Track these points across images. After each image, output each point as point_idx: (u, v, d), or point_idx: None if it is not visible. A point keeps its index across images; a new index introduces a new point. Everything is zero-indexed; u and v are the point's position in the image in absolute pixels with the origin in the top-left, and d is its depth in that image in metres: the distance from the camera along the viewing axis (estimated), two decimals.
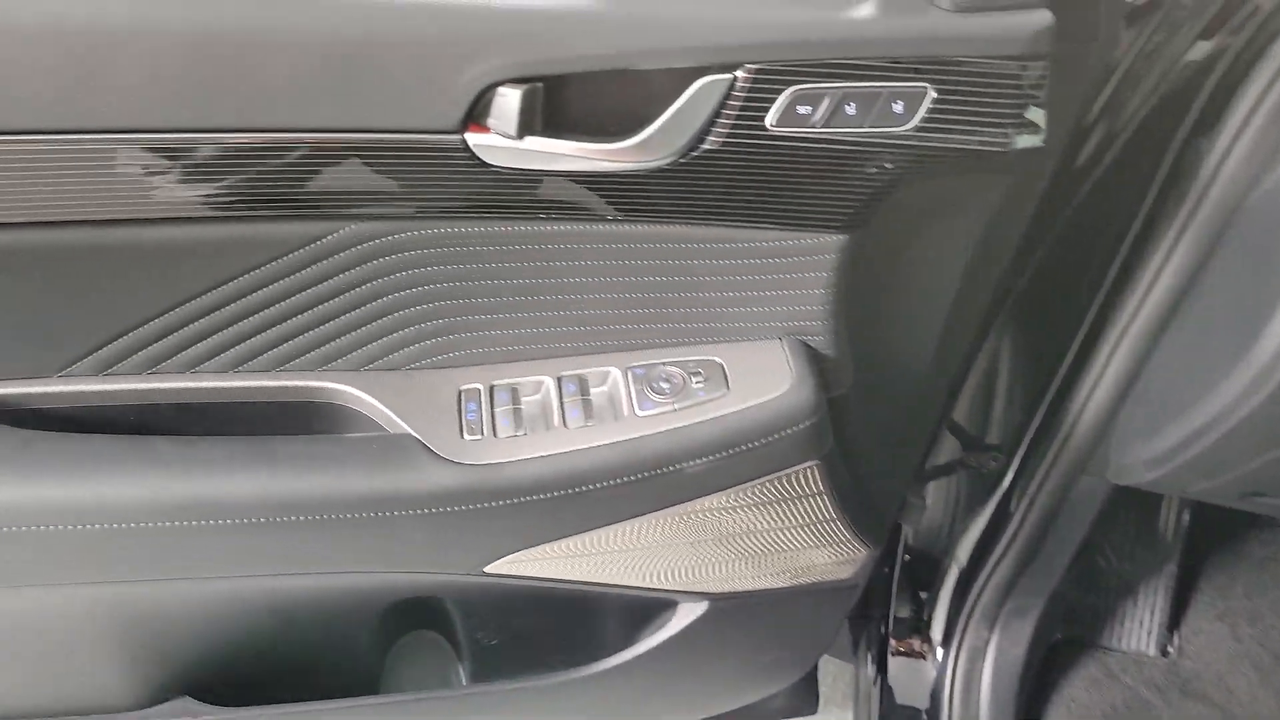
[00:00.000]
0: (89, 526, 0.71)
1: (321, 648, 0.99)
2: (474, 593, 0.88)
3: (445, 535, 0.77)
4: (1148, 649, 1.26)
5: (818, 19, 0.66)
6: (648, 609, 0.98)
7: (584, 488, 0.76)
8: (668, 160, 0.69)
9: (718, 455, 0.76)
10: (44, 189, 0.66)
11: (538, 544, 0.80)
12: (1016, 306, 1.01)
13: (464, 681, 1.08)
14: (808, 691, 1.38)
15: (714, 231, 0.75)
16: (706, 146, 0.68)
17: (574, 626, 1.05)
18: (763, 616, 0.98)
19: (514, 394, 0.79)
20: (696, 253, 0.76)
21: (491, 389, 0.79)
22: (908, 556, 1.18)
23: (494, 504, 0.75)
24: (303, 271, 0.73)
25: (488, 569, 0.82)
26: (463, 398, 0.78)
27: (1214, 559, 1.31)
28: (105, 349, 0.74)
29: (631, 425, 0.77)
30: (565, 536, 0.80)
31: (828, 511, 0.85)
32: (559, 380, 0.80)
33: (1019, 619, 1.15)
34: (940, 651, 1.19)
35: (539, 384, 0.80)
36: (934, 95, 0.68)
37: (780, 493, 0.81)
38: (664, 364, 0.80)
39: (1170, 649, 1.25)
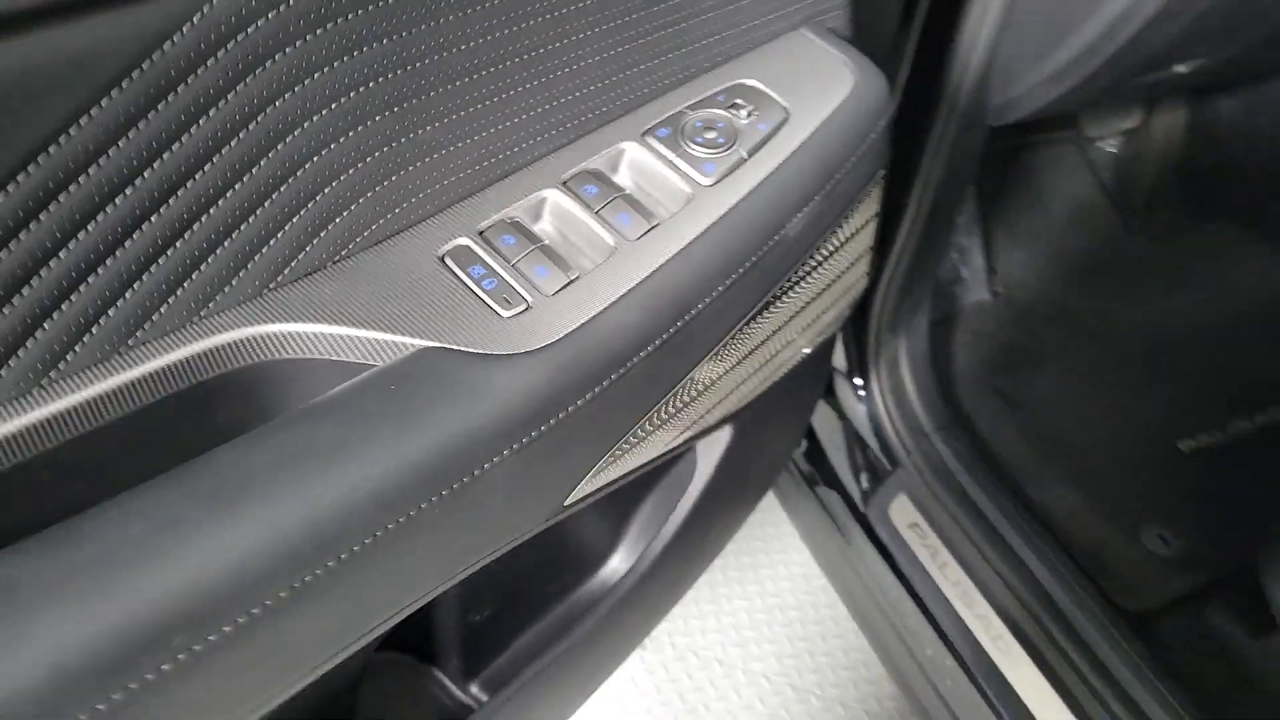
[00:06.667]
0: None
1: None
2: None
3: (531, 466, 0.48)
4: (985, 296, 1.30)
5: None
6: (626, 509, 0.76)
7: (693, 311, 0.51)
8: None
9: (822, 195, 0.55)
10: None
11: (633, 427, 0.54)
12: None
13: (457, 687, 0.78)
14: None
15: None
16: None
17: (566, 553, 0.79)
18: (776, 407, 0.80)
19: (519, 228, 0.49)
20: None
21: (483, 236, 0.49)
22: None
23: (594, 390, 0.48)
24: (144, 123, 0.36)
25: (568, 501, 0.54)
26: (454, 265, 0.48)
27: (1006, 200, 1.36)
28: None
29: (709, 200, 0.52)
30: (664, 399, 0.54)
31: (871, 236, 0.68)
32: (564, 185, 0.51)
33: (915, 315, 1.09)
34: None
35: (539, 204, 0.51)
36: None
37: (850, 229, 0.63)
38: (687, 110, 0.55)
39: (998, 289, 1.30)
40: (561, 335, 0.46)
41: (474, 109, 0.47)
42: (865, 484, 1.11)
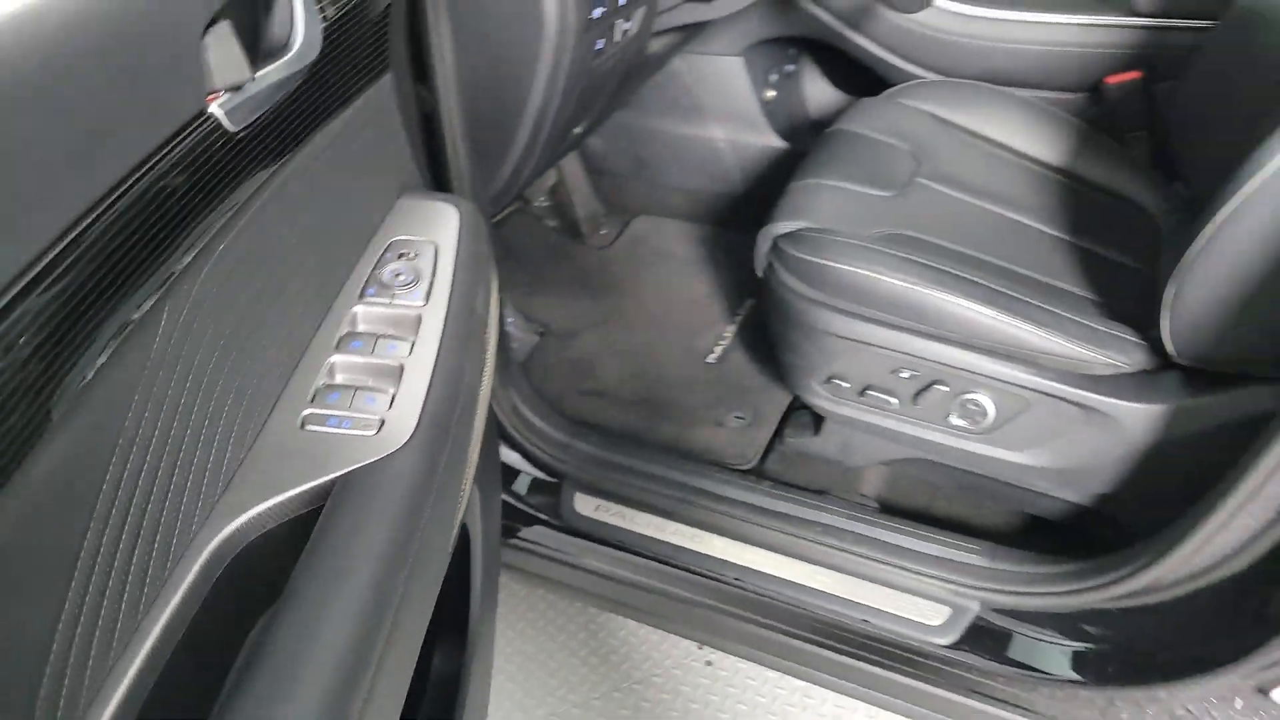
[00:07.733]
0: None
1: None
2: None
3: (436, 516, 0.69)
4: (535, 337, 1.66)
5: None
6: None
7: (464, 385, 0.75)
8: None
9: (480, 282, 0.82)
10: None
11: (465, 472, 0.76)
12: None
13: None
14: None
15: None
16: None
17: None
18: (486, 465, 1.04)
19: (333, 386, 0.70)
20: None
21: (314, 401, 0.68)
22: None
23: (447, 449, 0.70)
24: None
25: (450, 546, 0.75)
26: (315, 426, 0.66)
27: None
28: None
29: (431, 314, 0.76)
30: (468, 450, 0.78)
31: (498, 305, 0.96)
32: (337, 349, 0.72)
33: (509, 368, 1.39)
34: None
35: (332, 367, 0.71)
36: None
37: (494, 301, 0.90)
38: (374, 271, 0.78)
39: (540, 330, 1.67)
40: (414, 427, 0.68)
41: (251, 336, 0.66)
42: (548, 504, 1.39)
